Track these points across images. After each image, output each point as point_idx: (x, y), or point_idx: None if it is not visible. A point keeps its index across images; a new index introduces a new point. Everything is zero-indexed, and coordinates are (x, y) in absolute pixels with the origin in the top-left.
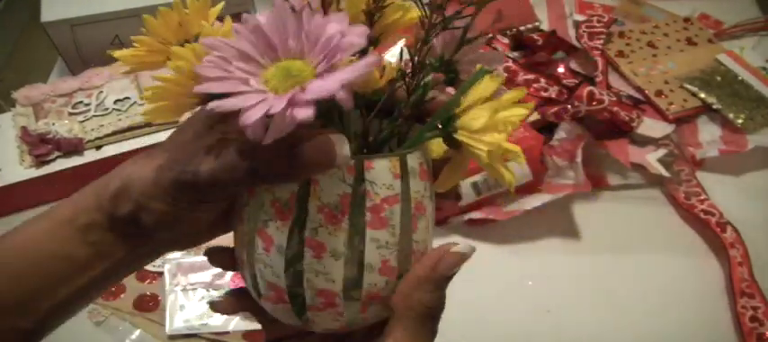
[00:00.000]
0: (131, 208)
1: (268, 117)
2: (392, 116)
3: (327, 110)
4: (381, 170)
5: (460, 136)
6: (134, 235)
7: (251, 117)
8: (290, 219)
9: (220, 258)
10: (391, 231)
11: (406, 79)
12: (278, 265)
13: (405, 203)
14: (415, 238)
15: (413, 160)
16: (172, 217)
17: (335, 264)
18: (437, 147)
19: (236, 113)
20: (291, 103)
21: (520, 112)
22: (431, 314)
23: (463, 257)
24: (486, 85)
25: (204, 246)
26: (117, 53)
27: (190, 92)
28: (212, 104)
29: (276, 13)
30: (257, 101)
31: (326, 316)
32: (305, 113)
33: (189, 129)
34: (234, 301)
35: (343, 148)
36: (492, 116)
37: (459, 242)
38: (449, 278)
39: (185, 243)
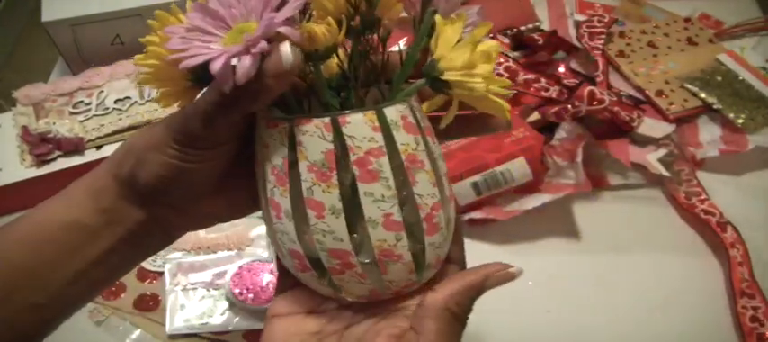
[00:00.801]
0: (132, 164)
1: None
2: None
3: (305, 92)
4: (357, 124)
5: (449, 76)
6: (141, 198)
7: (217, 65)
8: (287, 182)
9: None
10: (385, 184)
11: (362, 38)
12: (291, 231)
13: (393, 156)
14: (418, 191)
15: (392, 113)
16: (169, 170)
17: (337, 221)
18: (437, 101)
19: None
20: (248, 44)
21: (493, 43)
22: (464, 319)
23: (512, 278)
24: (454, 29)
25: (204, 246)
26: (139, 60)
27: (175, 74)
28: (184, 63)
29: None
30: (219, 53)
31: (350, 280)
32: (261, 47)
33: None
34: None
35: (285, 47)
36: (473, 50)
37: (515, 265)
38: (482, 292)
39: (191, 218)
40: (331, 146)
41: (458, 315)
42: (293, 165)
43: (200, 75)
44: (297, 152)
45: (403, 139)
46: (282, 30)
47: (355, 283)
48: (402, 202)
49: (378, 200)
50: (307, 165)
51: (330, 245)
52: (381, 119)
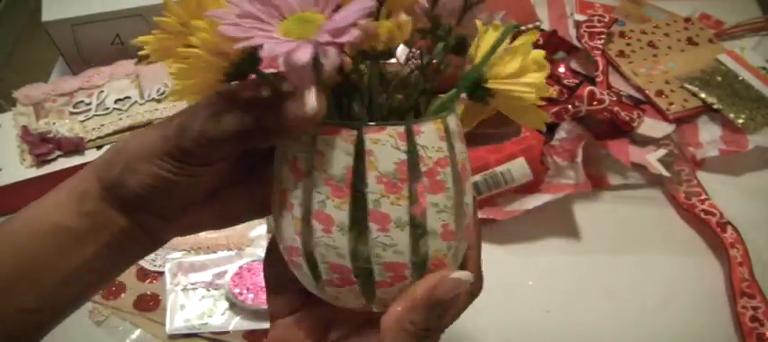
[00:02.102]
0: (119, 170)
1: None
2: (411, 86)
3: (343, 90)
4: (429, 133)
5: (495, 84)
6: (126, 204)
7: (302, 57)
8: (349, 194)
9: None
10: (447, 194)
11: (427, 39)
12: (342, 245)
13: (453, 165)
14: (466, 200)
15: (452, 122)
16: (157, 181)
17: (401, 234)
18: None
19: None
20: (333, 34)
21: (541, 52)
22: (424, 336)
23: (462, 285)
24: (493, 37)
25: (204, 245)
26: (140, 39)
27: (213, 67)
28: (263, 51)
29: None
30: (297, 44)
31: (395, 292)
32: (351, 36)
33: (185, 108)
34: (291, 299)
35: (312, 94)
36: (525, 58)
37: (460, 271)
38: (443, 303)
39: (177, 226)
40: (404, 156)
41: (414, 334)
42: (359, 174)
43: (242, 69)
44: (365, 162)
45: (459, 148)
46: (362, 23)
47: (399, 294)
48: (456, 213)
49: (440, 210)
50: (376, 175)
51: (389, 259)
52: (446, 127)
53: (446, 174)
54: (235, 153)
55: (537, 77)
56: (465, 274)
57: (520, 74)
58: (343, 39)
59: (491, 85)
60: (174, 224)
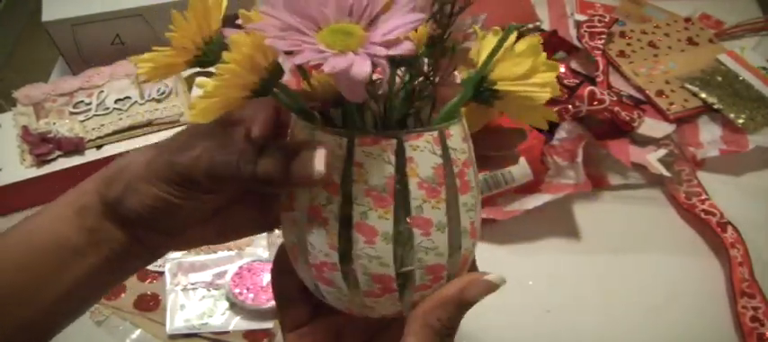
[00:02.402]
0: (121, 189)
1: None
2: (419, 92)
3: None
4: (456, 135)
5: (504, 86)
6: (126, 222)
7: (363, 71)
8: (392, 203)
9: (287, 282)
10: (472, 193)
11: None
12: (386, 254)
13: (474, 165)
14: (480, 198)
15: (465, 123)
16: (159, 202)
17: (442, 236)
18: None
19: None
20: (386, 46)
21: (544, 54)
22: (448, 334)
23: (493, 287)
24: (494, 40)
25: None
26: (139, 59)
27: (243, 84)
28: (327, 66)
29: None
30: (356, 58)
31: (431, 294)
32: (404, 49)
33: (189, 129)
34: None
35: (321, 162)
36: (536, 59)
37: (492, 272)
38: (473, 304)
39: (178, 241)
40: (440, 160)
41: (439, 331)
42: (402, 183)
43: (268, 85)
44: (406, 169)
45: (471, 148)
46: (406, 45)
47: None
48: (477, 211)
49: (469, 209)
50: (417, 182)
51: (431, 261)
52: (464, 129)
53: (470, 174)
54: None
55: (548, 77)
56: (498, 278)
57: (530, 74)
58: (396, 51)
59: (500, 86)
60: (174, 240)
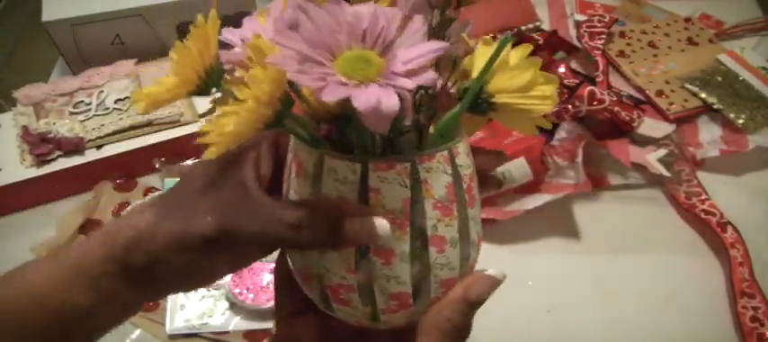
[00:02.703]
0: (146, 260)
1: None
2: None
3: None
4: (463, 152)
5: (501, 99)
6: (146, 283)
7: (392, 106)
8: (408, 225)
9: (291, 300)
10: (477, 206)
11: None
12: (403, 273)
13: (476, 177)
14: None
15: (466, 138)
16: (190, 269)
17: (454, 252)
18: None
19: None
20: (410, 75)
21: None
22: (459, 335)
23: (496, 283)
24: (488, 52)
25: None
26: (136, 96)
27: (260, 117)
28: (357, 102)
29: (315, 14)
30: (381, 92)
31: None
32: (428, 79)
33: (199, 177)
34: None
35: (385, 230)
36: (534, 71)
37: (491, 267)
38: (480, 302)
39: (200, 285)
40: (451, 179)
41: (449, 332)
42: (418, 205)
43: (282, 117)
44: (421, 191)
45: (473, 162)
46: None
47: None
48: (480, 222)
49: (476, 222)
50: (432, 202)
51: (445, 276)
52: (468, 143)
53: (475, 187)
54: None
55: (549, 89)
56: (499, 272)
57: (530, 87)
58: (420, 81)
59: (498, 99)
60: (198, 286)
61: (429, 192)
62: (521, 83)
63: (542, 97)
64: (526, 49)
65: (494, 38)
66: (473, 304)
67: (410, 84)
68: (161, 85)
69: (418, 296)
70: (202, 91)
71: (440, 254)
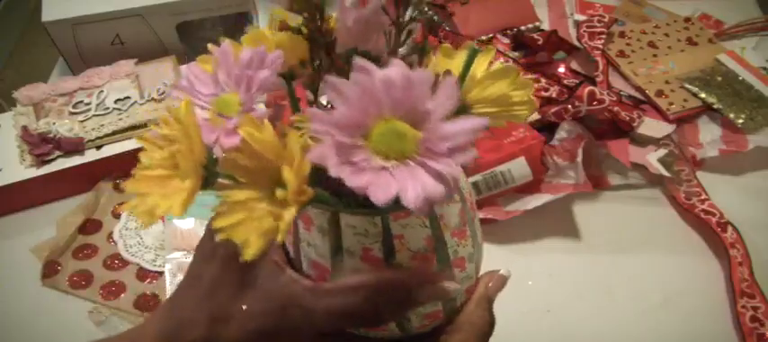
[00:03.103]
0: None
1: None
2: None
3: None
4: (462, 174)
5: (480, 109)
6: None
7: (439, 194)
8: (434, 257)
9: None
10: (476, 211)
11: None
12: None
13: (471, 187)
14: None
15: None
16: None
17: (472, 265)
18: None
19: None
20: (452, 154)
21: (515, 71)
22: (487, 331)
23: (505, 281)
24: (458, 61)
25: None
26: (129, 187)
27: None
28: (408, 202)
29: (348, 90)
30: (427, 180)
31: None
32: (468, 157)
33: (222, 270)
34: None
35: (458, 289)
36: (514, 79)
37: (492, 267)
38: (492, 300)
39: None
40: (460, 204)
41: (477, 324)
42: (439, 240)
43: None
44: (439, 226)
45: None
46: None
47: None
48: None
49: (479, 226)
50: (450, 232)
51: (467, 285)
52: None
53: (472, 196)
54: None
55: (525, 95)
56: (507, 271)
57: (507, 97)
58: (463, 160)
59: (478, 109)
60: None
61: (446, 225)
62: (498, 92)
63: (520, 103)
64: (487, 56)
65: (493, 37)
66: (489, 301)
67: (457, 169)
68: (168, 194)
69: (447, 307)
70: (206, 184)
71: (462, 271)
